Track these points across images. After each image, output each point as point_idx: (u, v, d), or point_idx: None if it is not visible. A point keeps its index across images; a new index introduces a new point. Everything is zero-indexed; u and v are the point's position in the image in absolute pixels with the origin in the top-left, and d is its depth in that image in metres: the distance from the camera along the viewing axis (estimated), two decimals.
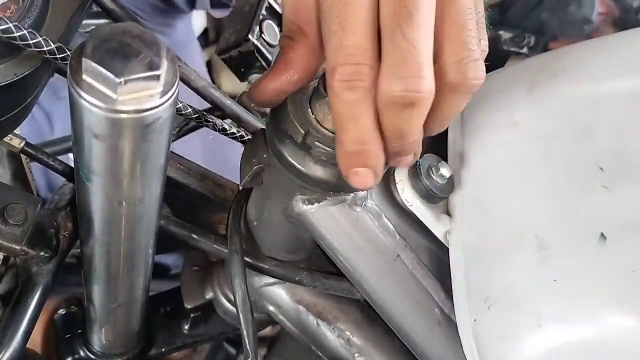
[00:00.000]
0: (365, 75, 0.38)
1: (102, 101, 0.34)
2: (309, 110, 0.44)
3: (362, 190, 0.49)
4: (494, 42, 1.00)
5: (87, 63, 0.33)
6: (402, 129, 0.40)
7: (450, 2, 0.39)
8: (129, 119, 0.35)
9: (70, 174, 0.61)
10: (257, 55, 0.80)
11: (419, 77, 0.37)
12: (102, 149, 0.37)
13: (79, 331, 0.70)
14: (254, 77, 0.82)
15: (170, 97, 0.35)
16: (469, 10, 0.39)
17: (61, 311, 0.72)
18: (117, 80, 0.33)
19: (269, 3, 0.81)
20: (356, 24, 0.37)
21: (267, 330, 1.09)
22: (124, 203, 0.43)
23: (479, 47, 0.40)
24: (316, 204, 0.49)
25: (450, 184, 0.53)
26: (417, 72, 0.37)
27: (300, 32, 0.42)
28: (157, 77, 0.34)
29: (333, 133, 0.44)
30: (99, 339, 0.67)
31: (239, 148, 0.55)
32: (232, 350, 1.12)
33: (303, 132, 0.44)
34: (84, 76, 0.34)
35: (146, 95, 0.34)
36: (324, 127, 0.44)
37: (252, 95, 0.45)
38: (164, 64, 0.34)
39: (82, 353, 0.70)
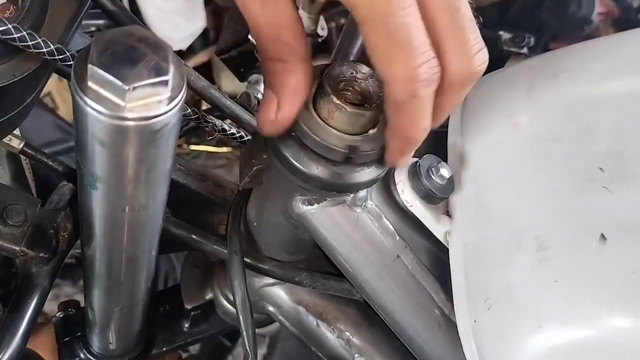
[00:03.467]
0: (437, 67, 0.39)
1: (109, 109, 0.33)
2: (312, 108, 0.44)
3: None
4: (494, 42, 1.00)
5: (93, 69, 0.32)
6: (455, 106, 0.43)
7: None
8: (136, 126, 0.34)
9: (70, 174, 0.61)
10: (256, 55, 0.80)
11: (484, 48, 0.41)
12: (108, 156, 0.37)
13: (79, 333, 0.70)
14: (254, 77, 0.82)
15: (178, 102, 0.34)
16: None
17: (59, 314, 0.72)
18: (125, 87, 0.32)
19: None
20: (419, 25, 0.38)
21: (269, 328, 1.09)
22: (127, 209, 0.42)
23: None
24: (316, 205, 0.49)
25: (450, 185, 0.53)
26: (482, 44, 0.41)
27: (290, 50, 0.41)
28: (166, 83, 0.33)
29: (338, 130, 0.43)
30: (99, 341, 0.66)
31: None
32: (228, 343, 1.12)
33: (305, 131, 0.44)
34: (90, 83, 0.33)
35: (154, 102, 0.33)
36: (328, 125, 0.44)
37: (265, 129, 0.44)
38: (171, 69, 0.33)
39: (82, 355, 0.70)
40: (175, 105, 0.34)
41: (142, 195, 0.41)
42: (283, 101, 0.42)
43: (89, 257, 0.51)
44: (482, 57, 0.41)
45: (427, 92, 0.40)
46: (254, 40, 0.40)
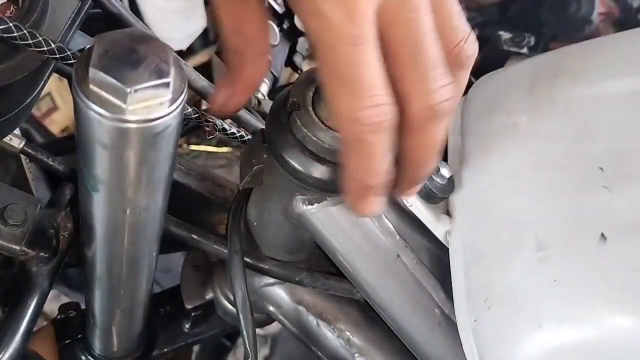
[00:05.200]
0: (392, 114, 0.37)
1: (110, 111, 0.33)
2: (311, 109, 0.44)
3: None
4: (494, 42, 1.00)
5: (94, 72, 0.33)
6: (437, 141, 0.40)
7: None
8: (138, 129, 0.34)
9: (70, 174, 0.61)
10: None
11: (450, 83, 0.38)
12: (110, 159, 0.37)
13: (79, 336, 0.70)
14: None
15: (180, 104, 0.34)
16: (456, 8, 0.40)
17: (59, 316, 0.72)
18: (127, 89, 0.32)
19: (268, 3, 0.81)
20: (372, 63, 0.36)
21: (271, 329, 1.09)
22: (128, 211, 0.42)
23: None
24: (316, 204, 0.49)
25: (451, 184, 0.53)
26: (447, 79, 0.38)
27: (250, 45, 0.41)
28: (167, 85, 0.33)
29: (337, 131, 0.43)
30: (100, 343, 0.66)
31: None
32: (227, 343, 1.12)
33: (305, 131, 0.44)
34: (91, 86, 0.33)
35: (156, 104, 0.33)
36: (327, 126, 0.44)
37: (214, 107, 0.46)
38: (173, 71, 0.34)
39: (83, 358, 0.70)
40: (177, 107, 0.34)
41: (143, 197, 0.41)
42: (236, 90, 0.44)
43: (90, 259, 0.51)
44: (445, 93, 0.38)
45: (373, 137, 0.38)
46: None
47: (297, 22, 0.84)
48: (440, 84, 0.38)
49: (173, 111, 0.34)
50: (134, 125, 0.34)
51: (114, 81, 0.32)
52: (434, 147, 0.41)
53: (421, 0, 0.37)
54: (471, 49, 0.40)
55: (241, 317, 0.56)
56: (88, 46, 0.34)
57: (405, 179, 0.43)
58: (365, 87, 0.36)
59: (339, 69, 0.36)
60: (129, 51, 0.34)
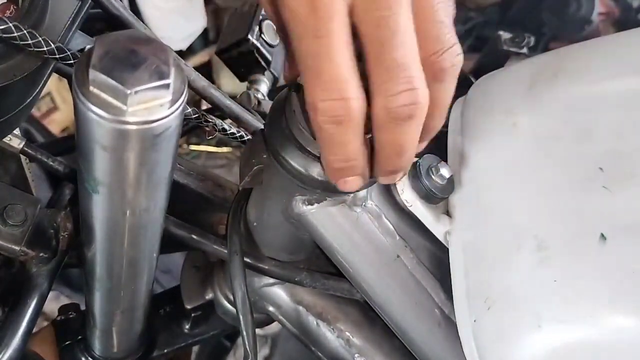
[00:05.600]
0: (351, 109, 0.37)
1: (111, 113, 0.33)
2: None
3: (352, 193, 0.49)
4: (494, 42, 1.00)
5: (94, 74, 0.33)
6: (402, 144, 0.40)
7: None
8: (138, 130, 0.34)
9: (70, 174, 0.61)
10: (256, 55, 0.80)
11: (413, 89, 0.37)
12: (110, 161, 0.37)
13: (79, 337, 0.70)
14: (254, 77, 0.82)
15: (180, 105, 0.34)
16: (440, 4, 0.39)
17: (59, 317, 0.72)
18: (127, 91, 0.32)
19: None
20: (333, 56, 0.36)
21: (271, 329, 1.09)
22: (128, 213, 0.42)
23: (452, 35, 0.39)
24: (316, 205, 0.49)
25: (450, 185, 0.53)
26: (411, 85, 0.37)
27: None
28: (167, 86, 0.33)
29: None
30: (100, 344, 0.66)
31: None
32: (227, 343, 1.12)
33: (303, 131, 0.44)
34: (91, 88, 0.33)
35: (156, 105, 0.33)
36: None
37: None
38: (173, 72, 0.33)
39: (83, 359, 0.70)
40: (177, 109, 0.34)
41: (143, 198, 0.41)
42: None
43: (90, 260, 0.51)
44: (405, 98, 0.37)
45: (335, 129, 0.38)
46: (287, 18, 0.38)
47: None
48: (401, 88, 0.37)
49: (173, 112, 0.34)
50: (134, 127, 0.34)
51: (114, 83, 0.32)
52: (402, 147, 0.40)
53: (395, 0, 0.36)
54: (449, 61, 0.39)
55: (241, 317, 0.56)
56: (88, 47, 0.34)
57: (380, 168, 0.43)
58: (328, 79, 0.37)
59: (305, 60, 0.37)
60: (129, 53, 0.34)
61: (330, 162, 0.42)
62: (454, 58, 0.39)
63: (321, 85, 0.37)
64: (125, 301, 0.57)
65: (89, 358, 0.69)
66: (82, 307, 0.69)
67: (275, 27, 0.43)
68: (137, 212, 0.42)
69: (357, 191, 0.48)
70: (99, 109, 0.33)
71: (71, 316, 0.72)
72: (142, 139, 0.35)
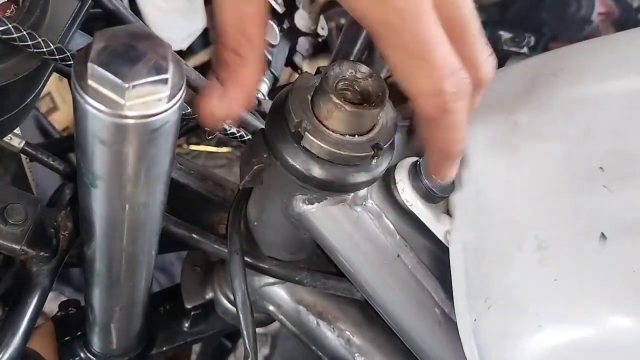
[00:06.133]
0: (465, 78, 0.38)
1: (109, 107, 0.33)
2: (311, 109, 0.44)
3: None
4: (494, 42, 1.00)
5: (93, 68, 0.33)
6: (462, 115, 0.41)
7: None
8: (136, 125, 0.34)
9: (70, 174, 0.61)
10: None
11: (491, 57, 0.42)
12: (108, 155, 0.37)
13: (79, 333, 0.70)
14: None
15: (178, 100, 0.35)
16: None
17: (59, 313, 0.72)
18: (125, 85, 0.32)
19: (268, 3, 0.81)
20: (436, 35, 0.37)
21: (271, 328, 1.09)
22: (127, 207, 0.42)
23: None
24: (316, 204, 0.49)
25: (451, 184, 0.53)
26: (490, 50, 0.42)
27: (250, 45, 0.40)
28: (165, 81, 0.33)
29: (335, 132, 0.44)
30: (99, 340, 0.66)
31: None
32: (228, 344, 1.12)
33: (304, 131, 0.44)
34: (90, 81, 0.33)
35: (154, 100, 0.33)
36: (325, 127, 0.44)
37: (202, 117, 0.42)
38: (171, 67, 0.34)
39: (82, 355, 0.70)
40: (175, 104, 0.34)
41: (142, 193, 0.41)
42: (231, 91, 0.41)
43: (89, 256, 0.51)
44: (490, 65, 0.41)
45: (458, 106, 0.39)
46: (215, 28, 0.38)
47: (298, 22, 0.84)
48: (486, 54, 0.41)
49: (171, 107, 0.34)
50: (132, 121, 0.34)
51: (113, 77, 0.33)
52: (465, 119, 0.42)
53: None
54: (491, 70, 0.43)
55: (241, 316, 0.56)
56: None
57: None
58: (438, 57, 0.37)
59: (407, 46, 0.37)
60: (128, 47, 0.34)
61: (448, 151, 0.42)
62: (491, 66, 0.43)
63: (435, 65, 0.37)
64: (124, 297, 0.57)
65: (88, 354, 0.69)
66: (83, 304, 0.69)
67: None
68: (136, 207, 0.42)
69: None
70: (97, 102, 0.33)
71: (71, 312, 0.72)
72: (140, 133, 0.35)
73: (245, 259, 0.58)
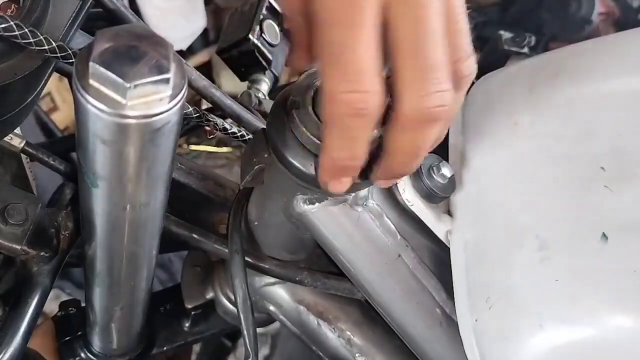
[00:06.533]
0: (373, 103, 0.37)
1: (110, 106, 0.33)
2: (311, 108, 0.44)
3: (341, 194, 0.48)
4: (494, 42, 1.00)
5: (94, 67, 0.33)
6: (420, 146, 0.39)
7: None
8: (138, 124, 0.34)
9: (71, 174, 0.61)
10: (257, 54, 0.80)
11: (445, 91, 0.37)
12: (109, 154, 0.37)
13: (79, 333, 0.70)
14: (255, 76, 0.82)
15: (179, 100, 0.34)
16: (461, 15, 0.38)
17: (60, 313, 0.72)
18: (127, 85, 0.32)
19: (269, 2, 0.81)
20: (361, 47, 0.36)
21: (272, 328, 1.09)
22: (128, 207, 0.42)
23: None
24: (317, 204, 0.49)
25: (451, 184, 0.53)
26: (443, 86, 0.36)
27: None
28: (167, 81, 0.33)
29: None
30: (100, 340, 0.66)
31: None
32: (228, 343, 1.12)
33: (304, 131, 0.44)
34: (91, 81, 0.33)
35: (155, 100, 0.33)
36: None
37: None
38: (173, 67, 0.34)
39: (83, 355, 0.70)
40: (177, 104, 0.34)
41: (143, 193, 0.41)
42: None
43: (90, 256, 0.51)
44: (441, 99, 0.36)
45: (353, 123, 0.37)
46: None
47: None
48: (437, 88, 0.36)
49: (173, 107, 0.34)
50: (133, 121, 0.34)
51: (114, 76, 0.32)
52: (420, 149, 0.40)
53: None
54: (469, 69, 0.39)
55: (242, 316, 0.56)
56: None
57: (384, 170, 0.42)
58: (353, 70, 0.36)
59: (330, 48, 0.36)
60: (130, 47, 0.34)
61: (334, 159, 0.40)
62: (473, 67, 0.39)
63: (345, 76, 0.36)
64: (124, 297, 0.57)
65: (89, 354, 0.69)
66: (83, 304, 0.69)
67: (289, 11, 0.42)
68: (137, 207, 0.42)
69: (346, 193, 0.47)
70: (99, 102, 0.33)
71: (71, 312, 0.72)
72: (141, 133, 0.35)
73: (246, 259, 0.58)
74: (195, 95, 0.59)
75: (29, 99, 0.49)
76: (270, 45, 0.81)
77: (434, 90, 0.37)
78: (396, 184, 0.52)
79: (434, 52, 0.36)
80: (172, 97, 0.34)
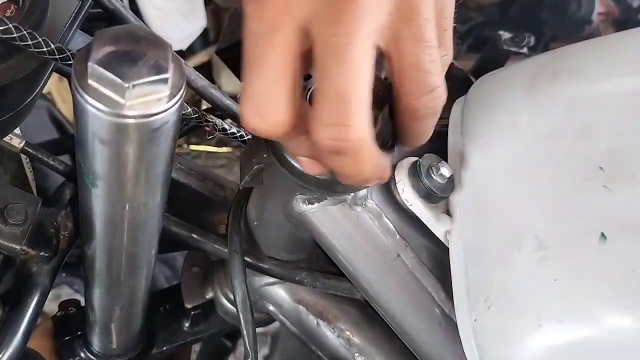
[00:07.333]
0: (276, 133, 0.36)
1: (109, 106, 0.33)
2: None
3: None
4: (494, 42, 1.00)
5: (93, 67, 0.33)
6: (341, 172, 0.39)
7: (407, 20, 0.35)
8: (136, 124, 0.34)
9: (70, 173, 0.61)
10: None
11: (345, 125, 0.35)
12: (108, 154, 0.37)
13: (79, 333, 0.70)
14: None
15: (178, 100, 0.35)
16: (428, 27, 0.36)
17: (59, 313, 0.72)
18: (125, 84, 0.32)
19: None
20: (265, 71, 0.35)
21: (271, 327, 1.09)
22: (127, 207, 0.42)
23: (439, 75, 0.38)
24: (316, 204, 0.49)
25: (451, 184, 0.53)
26: (344, 120, 0.35)
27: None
28: (165, 81, 0.33)
29: None
30: (99, 340, 0.67)
31: None
32: (228, 343, 1.12)
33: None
34: (90, 81, 0.33)
35: (154, 100, 0.34)
36: None
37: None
38: (171, 67, 0.34)
39: (82, 355, 0.70)
40: (175, 103, 0.35)
41: (142, 193, 0.41)
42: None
43: (89, 256, 0.51)
44: (335, 133, 0.35)
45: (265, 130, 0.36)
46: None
47: None
48: (333, 121, 0.35)
49: (171, 107, 0.34)
50: (132, 121, 0.34)
51: (113, 76, 0.33)
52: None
53: (356, 28, 0.33)
54: (426, 103, 0.38)
55: (241, 316, 0.56)
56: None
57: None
58: (255, 96, 0.36)
59: (251, 61, 0.36)
60: (128, 47, 0.34)
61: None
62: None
63: (247, 103, 0.36)
64: (124, 297, 0.57)
65: (88, 354, 0.69)
66: (83, 303, 0.69)
67: None
68: (136, 207, 0.42)
69: (349, 192, 0.47)
70: (98, 102, 0.33)
71: (71, 312, 0.72)
72: (140, 133, 0.35)
73: (246, 259, 0.58)
74: (195, 96, 0.59)
75: (29, 100, 0.49)
76: None
77: (333, 122, 0.35)
78: (395, 184, 0.52)
79: (341, 81, 0.35)
80: (171, 97, 0.34)
